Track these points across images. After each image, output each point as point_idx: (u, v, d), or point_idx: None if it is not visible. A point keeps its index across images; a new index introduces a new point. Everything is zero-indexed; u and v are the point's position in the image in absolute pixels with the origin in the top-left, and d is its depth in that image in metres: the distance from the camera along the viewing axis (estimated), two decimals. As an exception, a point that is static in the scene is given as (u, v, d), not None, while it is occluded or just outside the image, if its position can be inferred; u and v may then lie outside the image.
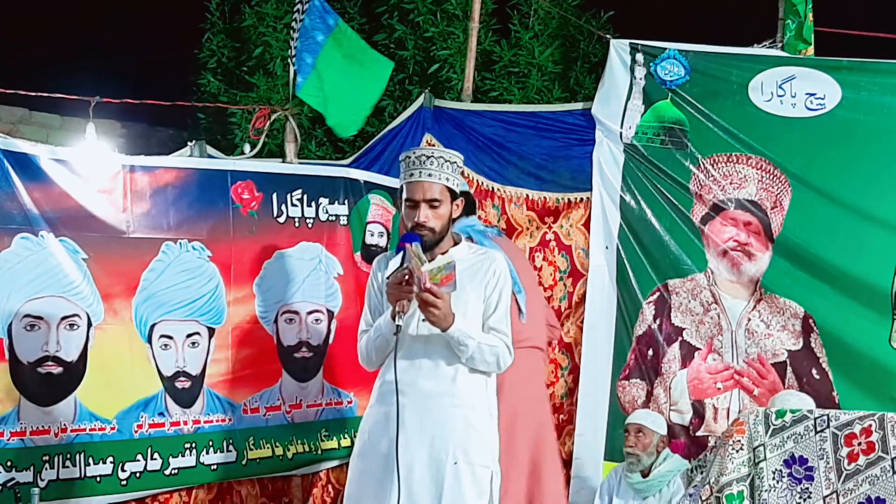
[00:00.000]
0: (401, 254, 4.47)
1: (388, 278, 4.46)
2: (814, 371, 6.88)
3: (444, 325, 4.38)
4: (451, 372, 4.52)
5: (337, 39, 6.83)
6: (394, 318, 4.38)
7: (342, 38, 6.88)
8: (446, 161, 4.55)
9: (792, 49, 7.18)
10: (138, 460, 5.86)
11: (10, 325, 5.49)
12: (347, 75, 6.87)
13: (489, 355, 4.49)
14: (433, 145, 7.25)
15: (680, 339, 7.08)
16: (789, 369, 6.91)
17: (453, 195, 4.58)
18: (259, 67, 9.18)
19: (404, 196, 4.56)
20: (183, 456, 6.01)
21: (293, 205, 6.56)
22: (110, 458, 5.76)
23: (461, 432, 4.49)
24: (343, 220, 6.74)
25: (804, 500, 4.24)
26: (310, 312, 6.57)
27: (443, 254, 4.56)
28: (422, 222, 4.49)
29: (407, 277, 4.34)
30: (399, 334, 4.41)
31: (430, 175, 4.51)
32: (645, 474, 6.39)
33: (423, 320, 4.43)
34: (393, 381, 4.45)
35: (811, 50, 7.20)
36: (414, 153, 4.57)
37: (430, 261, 4.46)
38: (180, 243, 6.12)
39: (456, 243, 4.65)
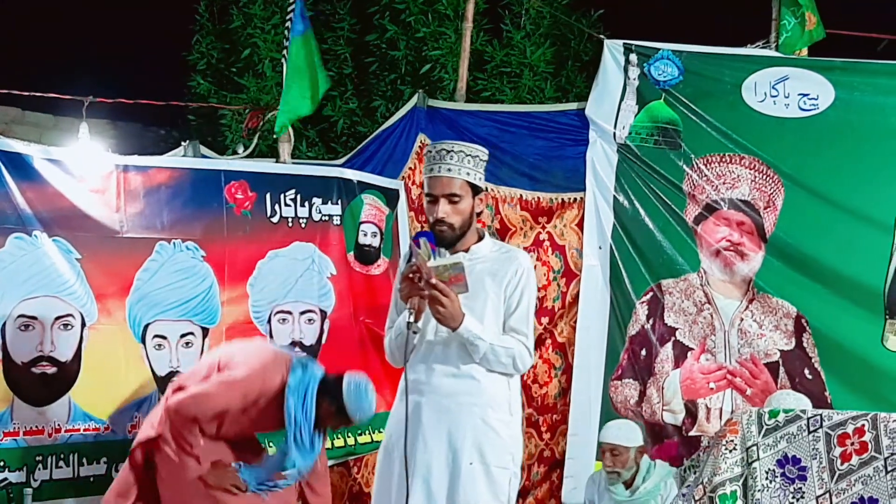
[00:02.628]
0: (411, 251, 4.45)
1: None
2: (806, 371, 6.89)
3: (453, 324, 4.34)
4: (470, 371, 4.48)
5: (299, 43, 6.86)
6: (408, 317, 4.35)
7: (305, 44, 6.91)
8: (467, 155, 4.47)
9: (789, 49, 7.18)
10: (132, 461, 5.85)
11: (4, 325, 5.48)
12: (292, 76, 6.89)
13: (504, 357, 4.44)
14: (426, 145, 7.24)
15: (673, 338, 7.08)
16: (782, 369, 6.92)
17: (475, 190, 4.52)
18: (248, 69, 9.17)
19: (425, 191, 4.52)
20: (177, 456, 6.01)
21: (286, 205, 6.56)
22: (104, 459, 5.75)
23: (478, 433, 4.45)
24: (336, 220, 6.74)
25: (797, 499, 4.25)
26: (303, 312, 6.57)
27: (465, 250, 4.52)
28: (441, 218, 4.44)
29: (418, 274, 4.30)
30: (413, 332, 4.36)
31: (449, 170, 4.45)
32: (629, 485, 6.30)
33: None
34: (414, 380, 4.44)
35: (805, 50, 7.23)
36: (435, 147, 4.51)
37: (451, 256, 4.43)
38: (174, 243, 6.11)
39: (480, 239, 4.61)
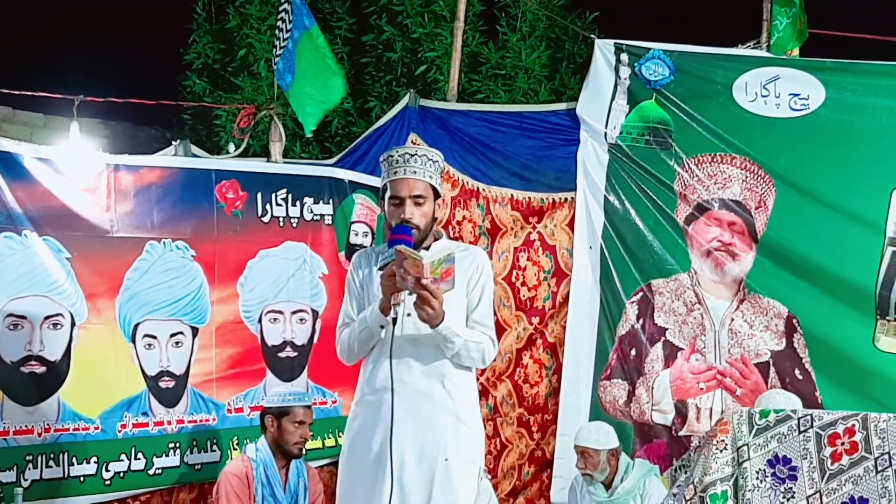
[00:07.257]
0: (392, 247, 4.41)
1: (380, 269, 4.43)
2: (797, 371, 6.90)
3: (435, 322, 4.37)
4: (440, 368, 4.50)
5: (309, 38, 6.86)
6: (386, 313, 4.36)
7: (314, 39, 6.91)
8: (429, 160, 4.55)
9: (780, 49, 7.19)
10: (122, 460, 5.85)
11: (-7, 324, 5.49)
12: (311, 72, 6.89)
13: (475, 351, 4.49)
14: (417, 145, 7.24)
15: (663, 338, 7.09)
16: (772, 369, 6.93)
17: (436, 193, 4.57)
18: (243, 69, 9.15)
19: (388, 194, 4.54)
20: (167, 456, 6.00)
21: (278, 204, 6.56)
22: (94, 458, 5.75)
23: (452, 429, 4.48)
24: (328, 220, 6.74)
25: (787, 499, 4.25)
26: (294, 312, 6.57)
27: (426, 249, 4.54)
28: (407, 219, 4.47)
29: (402, 270, 4.30)
30: (393, 326, 4.38)
31: (414, 172, 4.50)
32: (608, 485, 6.28)
33: (408, 315, 4.42)
34: (384, 378, 4.45)
35: (796, 51, 7.23)
36: (397, 151, 4.57)
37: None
38: (164, 243, 6.11)
39: (436, 240, 4.64)
